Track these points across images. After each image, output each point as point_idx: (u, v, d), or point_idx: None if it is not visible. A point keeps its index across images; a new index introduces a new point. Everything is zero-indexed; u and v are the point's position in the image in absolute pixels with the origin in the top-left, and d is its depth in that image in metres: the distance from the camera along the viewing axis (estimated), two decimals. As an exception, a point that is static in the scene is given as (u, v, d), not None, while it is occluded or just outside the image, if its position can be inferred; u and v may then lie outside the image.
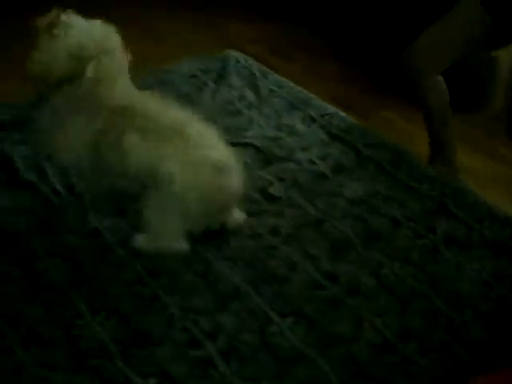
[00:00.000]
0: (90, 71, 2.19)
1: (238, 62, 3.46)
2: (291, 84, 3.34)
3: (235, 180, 2.33)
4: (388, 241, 2.41)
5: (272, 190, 2.60)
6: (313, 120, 3.04)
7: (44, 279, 2.18)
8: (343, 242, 2.39)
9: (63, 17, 2.21)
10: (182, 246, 2.28)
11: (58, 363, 1.91)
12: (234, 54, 3.55)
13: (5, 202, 2.46)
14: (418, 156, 2.97)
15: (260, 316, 2.09)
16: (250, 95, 3.20)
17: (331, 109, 3.15)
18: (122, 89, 2.31)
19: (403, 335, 2.07)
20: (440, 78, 3.27)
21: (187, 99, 3.12)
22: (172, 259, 2.26)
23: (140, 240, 2.30)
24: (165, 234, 2.28)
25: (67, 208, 2.46)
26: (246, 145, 2.83)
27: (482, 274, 2.30)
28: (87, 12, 2.27)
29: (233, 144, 2.79)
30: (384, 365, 1.98)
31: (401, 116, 4.17)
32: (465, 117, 4.06)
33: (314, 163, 2.76)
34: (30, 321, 2.04)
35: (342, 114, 3.11)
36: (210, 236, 2.35)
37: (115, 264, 2.25)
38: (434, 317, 2.14)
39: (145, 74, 3.32)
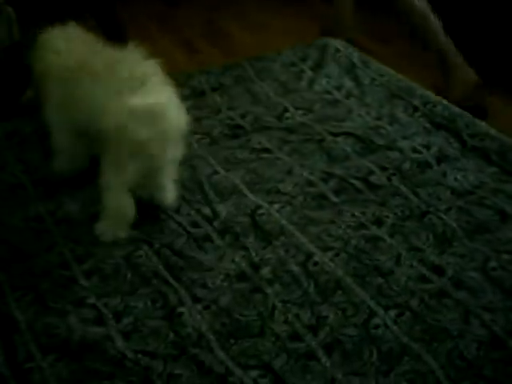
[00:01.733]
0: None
1: (337, 50, 3.40)
2: (392, 72, 3.26)
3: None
4: (495, 233, 2.32)
5: (374, 179, 2.54)
6: (415, 109, 2.96)
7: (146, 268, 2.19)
8: (448, 234, 2.31)
9: None
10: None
11: (158, 351, 1.91)
12: (333, 41, 3.49)
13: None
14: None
15: (363, 309, 2.04)
16: (348, 84, 3.14)
17: (434, 97, 3.05)
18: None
19: (512, 331, 1.99)
20: None
21: (284, 87, 3.09)
22: (274, 250, 2.23)
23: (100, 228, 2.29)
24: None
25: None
26: (345, 134, 2.77)
27: None
28: None
29: (332, 133, 2.77)
30: (493, 363, 1.90)
31: (507, 102, 4.03)
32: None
33: (416, 151, 2.68)
34: (132, 310, 2.04)
35: (446, 102, 3.01)
36: (309, 224, 2.32)
37: (214, 253, 2.23)
38: (547, 313, 2.05)
39: (243, 62, 3.32)
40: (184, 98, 2.91)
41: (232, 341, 1.94)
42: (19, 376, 1.85)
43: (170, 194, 2.38)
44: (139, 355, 1.89)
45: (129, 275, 2.16)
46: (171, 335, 1.95)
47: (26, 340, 1.95)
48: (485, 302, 2.07)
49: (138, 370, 1.86)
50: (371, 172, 2.57)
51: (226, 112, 2.93)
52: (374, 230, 2.31)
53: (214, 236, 2.28)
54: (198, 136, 2.78)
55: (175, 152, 2.30)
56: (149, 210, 2.35)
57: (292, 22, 4.44)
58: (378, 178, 2.55)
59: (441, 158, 2.66)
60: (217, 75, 3.24)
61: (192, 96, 3.04)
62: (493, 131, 2.79)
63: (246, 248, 2.23)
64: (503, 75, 4.05)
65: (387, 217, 2.37)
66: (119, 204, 2.25)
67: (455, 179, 2.55)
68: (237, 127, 2.83)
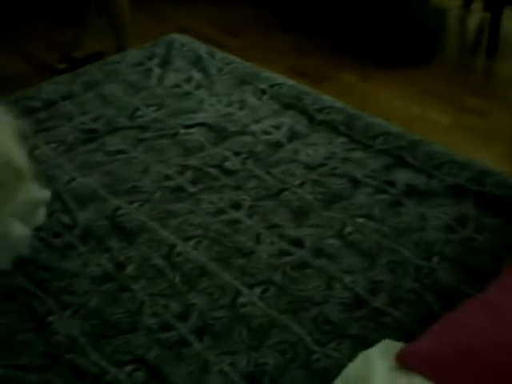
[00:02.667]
0: None
1: (182, 45, 3.43)
2: (239, 60, 3.32)
3: None
4: (349, 200, 2.41)
5: (229, 165, 2.59)
6: (263, 92, 3.03)
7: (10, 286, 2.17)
8: (304, 207, 2.39)
9: None
10: None
11: (32, 363, 1.91)
12: (178, 37, 3.53)
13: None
14: (373, 114, 2.95)
15: (229, 291, 2.09)
16: (197, 76, 3.19)
17: (281, 79, 3.13)
18: None
19: (373, 289, 2.08)
20: None
21: (135, 88, 3.11)
22: (137, 248, 2.25)
23: None
24: None
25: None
26: (198, 125, 2.82)
27: (445, 220, 2.31)
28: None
29: (184, 126, 2.81)
30: (357, 321, 1.99)
31: (359, 77, 4.17)
32: (420, 69, 4.11)
33: (268, 133, 2.75)
34: (1, 328, 2.03)
35: (292, 82, 3.10)
36: (169, 217, 2.36)
37: (79, 260, 2.23)
38: (402, 268, 2.15)
39: (90, 68, 3.32)
40: (36, 111, 2.93)
41: (104, 341, 1.96)
42: None
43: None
44: (11, 370, 1.89)
45: (-5, 294, 2.14)
46: (42, 345, 1.95)
47: None
48: (345, 266, 2.17)
49: (12, 385, 1.86)
50: (226, 158, 2.63)
51: (78, 118, 2.93)
52: (233, 214, 2.37)
53: (77, 243, 2.28)
54: (53, 145, 2.77)
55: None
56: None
57: (143, 21, 4.48)
58: (233, 163, 2.61)
59: (291, 136, 2.74)
60: (66, 84, 3.22)
61: (43, 107, 3.02)
62: (338, 104, 2.90)
63: (109, 250, 2.25)
64: (358, 51, 4.19)
65: (244, 199, 2.43)
66: None
67: (307, 154, 2.63)
68: (90, 131, 2.83)
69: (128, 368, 1.88)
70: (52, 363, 1.90)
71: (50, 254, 2.25)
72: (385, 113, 3.19)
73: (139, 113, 2.94)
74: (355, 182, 2.49)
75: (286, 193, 2.45)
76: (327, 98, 2.95)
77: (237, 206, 2.41)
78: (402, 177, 2.51)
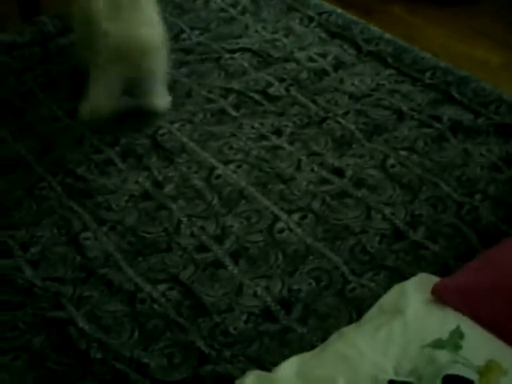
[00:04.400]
0: None
1: (230, -33, 3.36)
2: (287, -15, 3.25)
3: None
4: (392, 132, 2.37)
5: (272, 91, 2.55)
6: (310, 19, 2.97)
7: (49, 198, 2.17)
8: (347, 137, 2.36)
9: None
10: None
11: (66, 276, 1.91)
12: (227, -40, 3.45)
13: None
14: (422, 48, 2.88)
15: (267, 216, 2.08)
16: (244, 1, 3.12)
17: (329, 7, 3.06)
18: None
19: (412, 223, 2.05)
20: None
21: (180, 9, 3.06)
22: (176, 168, 2.24)
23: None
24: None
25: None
26: (242, 50, 2.78)
27: (490, 158, 2.26)
28: None
29: (229, 51, 2.77)
30: (394, 253, 1.97)
31: (406, 10, 4.06)
32: (470, 8, 3.99)
33: (313, 61, 2.70)
34: (39, 240, 2.03)
35: (340, 11, 3.03)
36: (210, 140, 2.34)
37: (118, 176, 2.23)
38: (442, 203, 2.12)
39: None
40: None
41: (140, 258, 1.96)
42: None
43: (160, 100, 2.46)
44: (48, 282, 1.90)
45: (33, 207, 2.14)
46: (78, 259, 1.96)
47: None
48: (385, 198, 2.14)
49: (48, 296, 1.87)
50: (269, 84, 2.59)
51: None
52: (274, 140, 2.34)
53: (117, 160, 2.28)
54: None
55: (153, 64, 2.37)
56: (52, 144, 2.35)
57: None
58: (277, 89, 2.57)
59: (337, 65, 2.69)
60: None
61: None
62: (386, 35, 2.83)
63: (148, 168, 2.24)
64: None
65: (286, 126, 2.40)
66: (99, 95, 2.37)
67: (352, 84, 2.59)
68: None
69: (162, 286, 1.88)
70: (87, 277, 1.91)
71: (88, 169, 2.25)
72: (431, 49, 3.10)
73: (184, 35, 2.89)
74: (400, 115, 2.44)
75: (328, 121, 2.42)
76: (376, 29, 2.88)
77: (278, 132, 2.38)
78: (448, 112, 2.46)
